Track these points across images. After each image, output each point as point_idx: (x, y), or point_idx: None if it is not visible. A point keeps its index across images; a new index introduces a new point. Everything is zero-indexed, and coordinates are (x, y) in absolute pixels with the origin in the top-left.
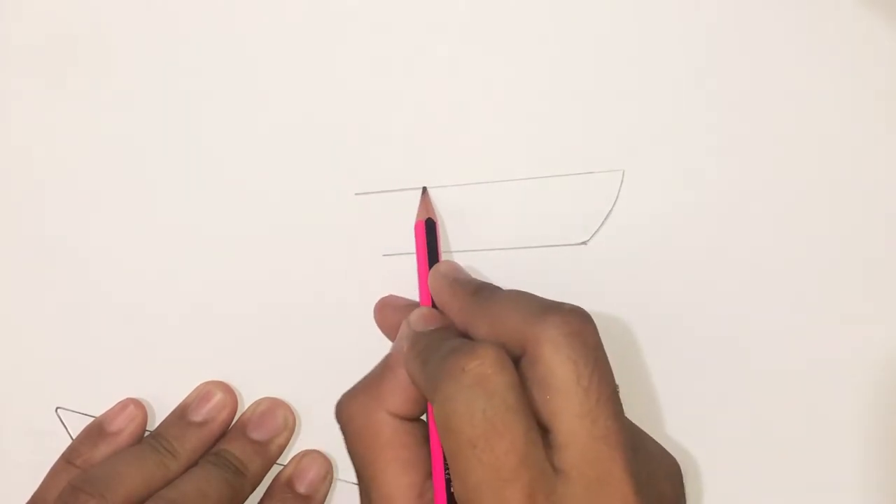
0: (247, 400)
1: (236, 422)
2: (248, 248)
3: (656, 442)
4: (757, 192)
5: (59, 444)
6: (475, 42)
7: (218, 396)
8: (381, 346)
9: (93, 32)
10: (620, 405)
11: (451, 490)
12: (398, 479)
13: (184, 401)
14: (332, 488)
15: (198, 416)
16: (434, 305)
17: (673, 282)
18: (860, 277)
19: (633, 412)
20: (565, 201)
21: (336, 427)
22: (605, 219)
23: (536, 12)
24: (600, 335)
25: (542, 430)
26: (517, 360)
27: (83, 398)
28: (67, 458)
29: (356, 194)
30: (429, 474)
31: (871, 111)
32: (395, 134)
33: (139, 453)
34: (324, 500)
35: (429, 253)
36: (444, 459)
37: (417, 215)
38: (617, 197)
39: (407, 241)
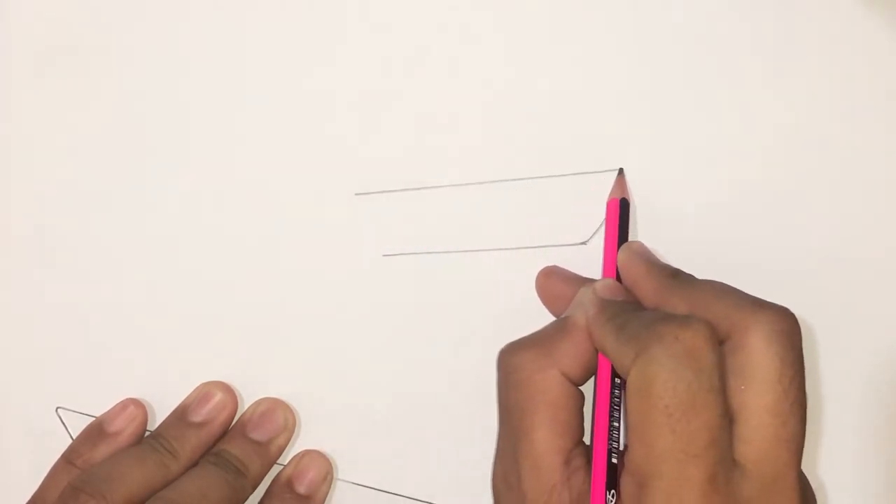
0: (247, 400)
1: (236, 422)
2: (248, 249)
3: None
4: (757, 192)
5: (60, 444)
6: (475, 42)
7: (218, 397)
8: (380, 347)
9: (93, 33)
10: (806, 416)
11: (612, 461)
12: (552, 439)
13: (184, 401)
14: (331, 488)
15: (198, 417)
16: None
17: None
18: (860, 277)
19: None
20: (565, 201)
21: (335, 428)
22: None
23: (536, 12)
24: None
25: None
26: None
27: (83, 398)
28: (67, 458)
29: (356, 194)
30: (577, 442)
31: (871, 111)
32: (395, 134)
33: (139, 453)
34: (324, 500)
35: (620, 232)
36: (608, 430)
37: (611, 193)
38: None
39: (407, 241)
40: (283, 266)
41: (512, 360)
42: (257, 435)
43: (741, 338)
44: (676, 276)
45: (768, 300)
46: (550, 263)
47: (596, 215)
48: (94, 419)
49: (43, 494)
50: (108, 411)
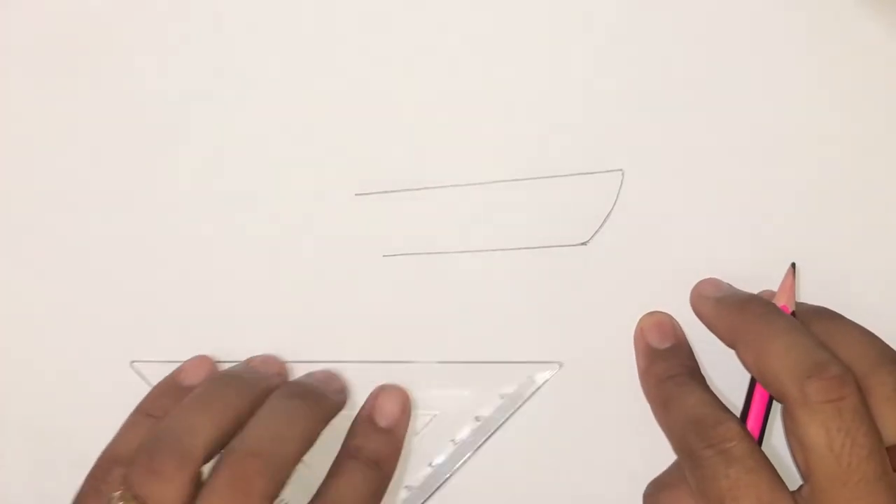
0: None
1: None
2: (248, 248)
3: None
4: (757, 191)
5: (60, 444)
6: (475, 42)
7: (270, 357)
8: (380, 347)
9: (93, 33)
10: (881, 464)
11: None
12: None
13: (249, 359)
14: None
15: (263, 368)
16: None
17: (673, 282)
18: (860, 277)
19: (632, 411)
20: (565, 201)
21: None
22: (606, 219)
23: (537, 12)
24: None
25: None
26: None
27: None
28: (143, 412)
29: (356, 194)
30: None
31: (871, 111)
32: (395, 134)
33: (211, 400)
34: (405, 432)
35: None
36: None
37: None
38: (617, 197)
39: (407, 241)
40: (283, 266)
41: (656, 501)
42: (322, 383)
43: (792, 410)
44: (744, 311)
45: (823, 362)
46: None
47: (596, 215)
48: (167, 375)
49: (117, 448)
50: (182, 365)
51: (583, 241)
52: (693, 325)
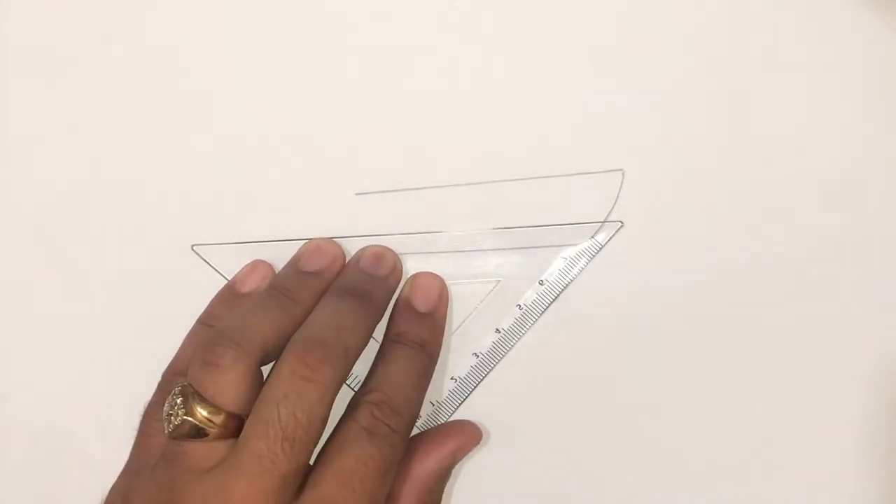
0: None
1: (346, 262)
2: (247, 248)
3: None
4: (757, 192)
5: (60, 443)
6: (475, 42)
7: (330, 248)
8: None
9: (93, 32)
10: None
11: None
12: None
13: (296, 254)
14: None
15: (312, 267)
16: None
17: (673, 282)
18: (860, 277)
19: (633, 411)
20: (566, 201)
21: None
22: (606, 219)
23: (537, 12)
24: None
25: None
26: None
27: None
28: (204, 322)
29: (356, 194)
30: None
31: (871, 111)
32: (395, 134)
33: (264, 304)
34: (445, 315)
35: None
36: None
37: None
38: (617, 197)
39: (407, 241)
40: (282, 266)
41: None
42: (371, 269)
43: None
44: None
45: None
46: (549, 263)
47: (596, 215)
48: (225, 282)
49: (179, 361)
50: (239, 272)
51: (583, 242)
52: (694, 325)
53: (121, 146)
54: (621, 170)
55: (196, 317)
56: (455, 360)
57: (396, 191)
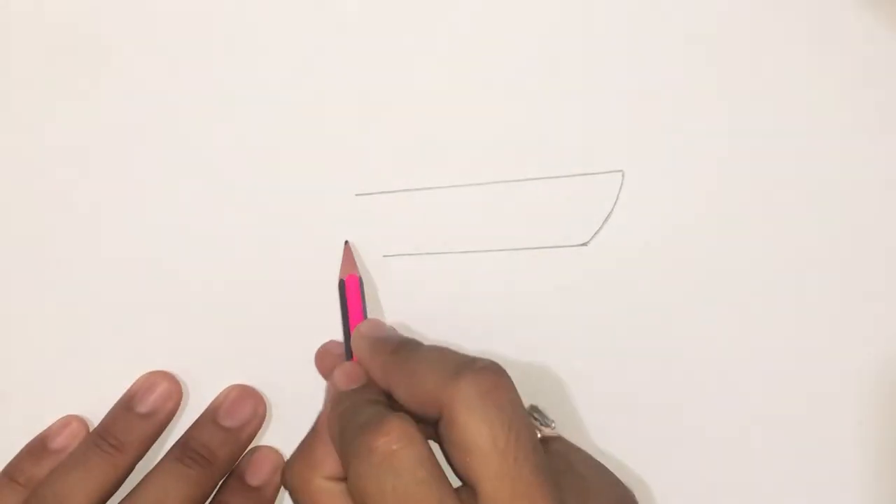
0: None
1: (207, 408)
2: (248, 248)
3: (605, 473)
4: (757, 192)
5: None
6: (475, 42)
7: (163, 386)
8: None
9: (93, 32)
10: (542, 455)
11: None
12: None
13: (128, 391)
14: None
15: (143, 407)
16: None
17: (673, 283)
18: (861, 277)
19: (632, 411)
20: (565, 202)
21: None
22: (606, 220)
23: (536, 12)
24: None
25: (471, 490)
26: (436, 421)
27: (83, 400)
28: (9, 476)
29: (356, 195)
30: None
31: (871, 112)
32: (395, 134)
33: (84, 458)
34: (276, 493)
35: (353, 310)
36: None
37: (340, 272)
38: (617, 198)
39: (407, 241)
40: (283, 266)
41: (285, 478)
42: (228, 422)
43: (449, 413)
44: (396, 353)
45: (473, 359)
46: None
47: (596, 216)
48: (35, 436)
49: None
50: (50, 427)
51: (583, 242)
52: (694, 325)
53: (120, 146)
54: (621, 170)
55: None
56: None
57: (396, 191)
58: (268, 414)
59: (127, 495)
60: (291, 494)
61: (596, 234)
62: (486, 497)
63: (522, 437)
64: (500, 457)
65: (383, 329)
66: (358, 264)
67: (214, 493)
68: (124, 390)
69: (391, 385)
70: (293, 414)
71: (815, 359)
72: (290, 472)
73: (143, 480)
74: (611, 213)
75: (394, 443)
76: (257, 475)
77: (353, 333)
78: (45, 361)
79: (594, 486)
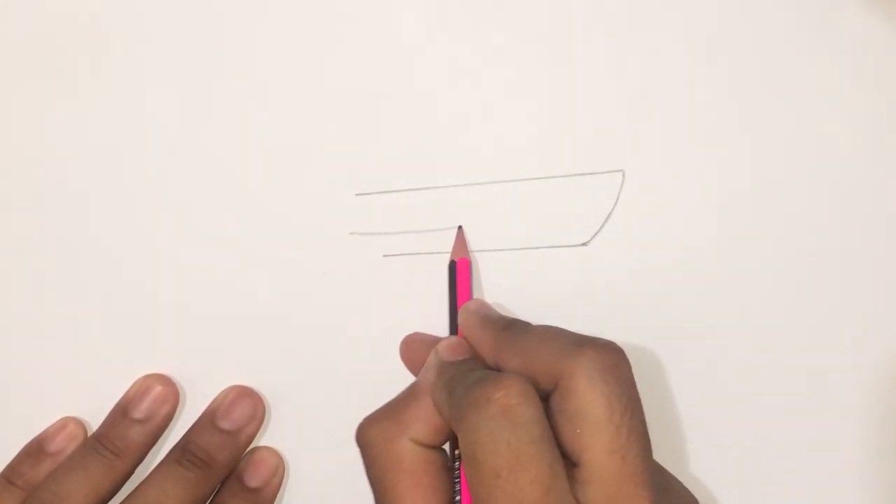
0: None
1: (205, 411)
2: (248, 248)
3: (678, 480)
4: (757, 192)
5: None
6: (475, 42)
7: (157, 390)
8: (380, 347)
9: (94, 31)
10: (650, 444)
11: None
12: None
13: (123, 396)
14: (284, 483)
15: (139, 413)
16: None
17: (673, 283)
18: (860, 277)
19: None
20: (566, 202)
21: (335, 428)
22: (606, 220)
23: (537, 12)
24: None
25: (569, 464)
26: (548, 394)
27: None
28: (7, 478)
29: (356, 194)
30: (451, 500)
31: (871, 111)
32: (395, 134)
33: (83, 462)
34: (275, 494)
35: (462, 290)
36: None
37: (452, 254)
38: (617, 198)
39: (407, 241)
40: (283, 266)
41: (366, 435)
42: (226, 424)
43: (567, 382)
44: (508, 329)
45: (592, 336)
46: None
47: (597, 216)
48: (32, 438)
49: None
50: (47, 430)
51: (583, 242)
52: (694, 325)
53: (120, 147)
54: (621, 170)
55: None
56: None
57: (396, 191)
58: (267, 414)
59: (127, 497)
60: (368, 450)
61: (596, 234)
62: (592, 469)
63: (637, 418)
64: (614, 431)
65: (490, 308)
66: (357, 263)
67: (214, 494)
68: (122, 392)
69: (502, 359)
70: (292, 414)
71: (815, 358)
72: (373, 428)
73: (142, 482)
74: (611, 213)
75: (513, 398)
76: (256, 477)
77: (461, 310)
78: (41, 363)
79: (676, 488)
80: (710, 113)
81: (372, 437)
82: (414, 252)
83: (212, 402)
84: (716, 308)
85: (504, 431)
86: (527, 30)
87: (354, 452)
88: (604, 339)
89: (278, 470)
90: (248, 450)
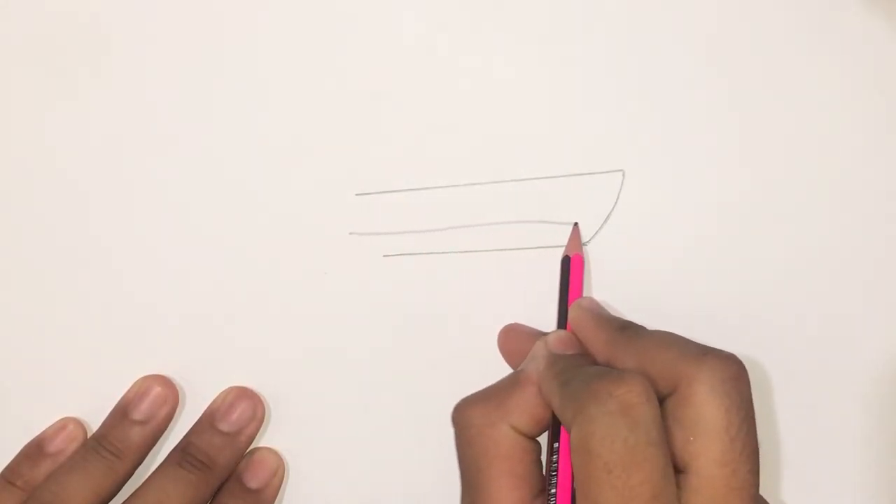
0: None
1: (205, 412)
2: (248, 248)
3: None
4: (757, 192)
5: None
6: (475, 42)
7: (156, 391)
8: (380, 347)
9: (94, 31)
10: (759, 462)
11: None
12: (509, 492)
13: (123, 398)
14: (284, 483)
15: (138, 414)
16: None
17: (673, 283)
18: (861, 277)
19: None
20: (566, 202)
21: (335, 428)
22: (606, 219)
23: (537, 12)
24: None
25: (676, 470)
26: (662, 398)
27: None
28: (7, 479)
29: (356, 194)
30: (538, 493)
31: (871, 111)
32: (395, 134)
33: (83, 463)
34: (275, 495)
35: (574, 286)
36: (572, 482)
37: (567, 249)
38: (617, 198)
39: (407, 241)
40: (283, 266)
41: (464, 415)
42: (225, 426)
43: (686, 389)
44: (624, 330)
45: (714, 347)
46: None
47: (597, 216)
48: (32, 439)
49: None
50: (46, 430)
51: (583, 243)
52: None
53: (120, 147)
54: (622, 170)
55: None
56: None
57: (396, 191)
58: (267, 415)
59: (127, 498)
60: (465, 431)
61: (596, 234)
62: (701, 478)
63: (751, 434)
64: (728, 443)
65: (602, 306)
66: (357, 263)
67: (214, 495)
68: (122, 392)
69: (616, 358)
70: (292, 414)
71: (815, 358)
72: (474, 409)
73: (143, 484)
74: (611, 213)
75: (635, 396)
76: (256, 478)
77: (574, 305)
78: (41, 363)
79: None
80: (710, 113)
81: (471, 417)
82: (414, 252)
83: (211, 404)
84: (716, 308)
85: (622, 428)
86: (527, 30)
87: (354, 452)
88: (727, 351)
89: (278, 471)
90: (248, 450)
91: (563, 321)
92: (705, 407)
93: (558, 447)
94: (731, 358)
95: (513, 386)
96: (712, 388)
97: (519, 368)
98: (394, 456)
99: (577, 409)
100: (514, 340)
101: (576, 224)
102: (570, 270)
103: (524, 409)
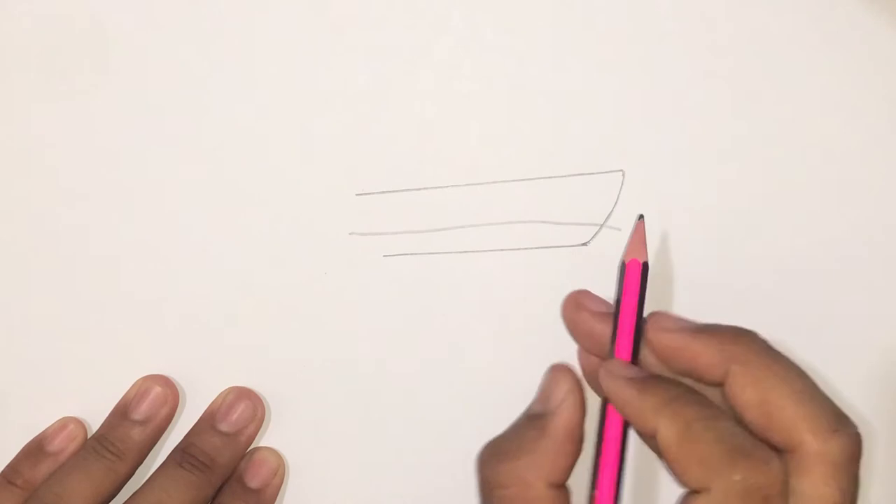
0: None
1: (205, 412)
2: (248, 248)
3: None
4: (757, 192)
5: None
6: (475, 42)
7: (156, 391)
8: (380, 347)
9: (94, 32)
10: None
11: None
12: None
13: (123, 398)
14: (284, 483)
15: (139, 414)
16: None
17: (673, 283)
18: (861, 277)
19: None
20: (566, 202)
21: (335, 428)
22: (606, 220)
23: (537, 12)
24: None
25: None
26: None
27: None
28: (7, 478)
29: (356, 194)
30: None
31: (872, 112)
32: (395, 134)
33: (84, 463)
34: (276, 495)
35: (640, 301)
36: None
37: (629, 252)
38: (617, 198)
39: (407, 241)
40: (283, 266)
41: (496, 474)
42: (226, 426)
43: (808, 460)
44: (746, 364)
45: (845, 413)
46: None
47: (596, 216)
48: (32, 438)
49: None
50: (47, 430)
51: (583, 242)
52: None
53: (120, 148)
54: (621, 170)
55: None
56: None
57: (396, 191)
58: (267, 415)
59: (128, 498)
60: (499, 492)
61: (596, 234)
62: None
63: None
64: None
65: (681, 317)
66: (357, 263)
67: (215, 495)
68: (122, 392)
69: (732, 373)
70: (292, 414)
71: (815, 358)
72: (504, 467)
73: (144, 484)
74: (611, 213)
75: (776, 487)
76: (257, 477)
77: (656, 327)
78: (41, 363)
79: None
80: (710, 113)
81: (505, 478)
82: (414, 252)
83: (211, 404)
84: (716, 308)
85: None
86: (527, 30)
87: (354, 452)
88: (854, 425)
89: (279, 470)
90: (248, 450)
91: (625, 344)
92: (825, 488)
93: (594, 494)
94: (858, 437)
95: (541, 437)
96: (836, 468)
97: (536, 412)
98: (394, 456)
99: (711, 480)
100: (589, 322)
101: (641, 217)
102: (637, 278)
103: (556, 463)
